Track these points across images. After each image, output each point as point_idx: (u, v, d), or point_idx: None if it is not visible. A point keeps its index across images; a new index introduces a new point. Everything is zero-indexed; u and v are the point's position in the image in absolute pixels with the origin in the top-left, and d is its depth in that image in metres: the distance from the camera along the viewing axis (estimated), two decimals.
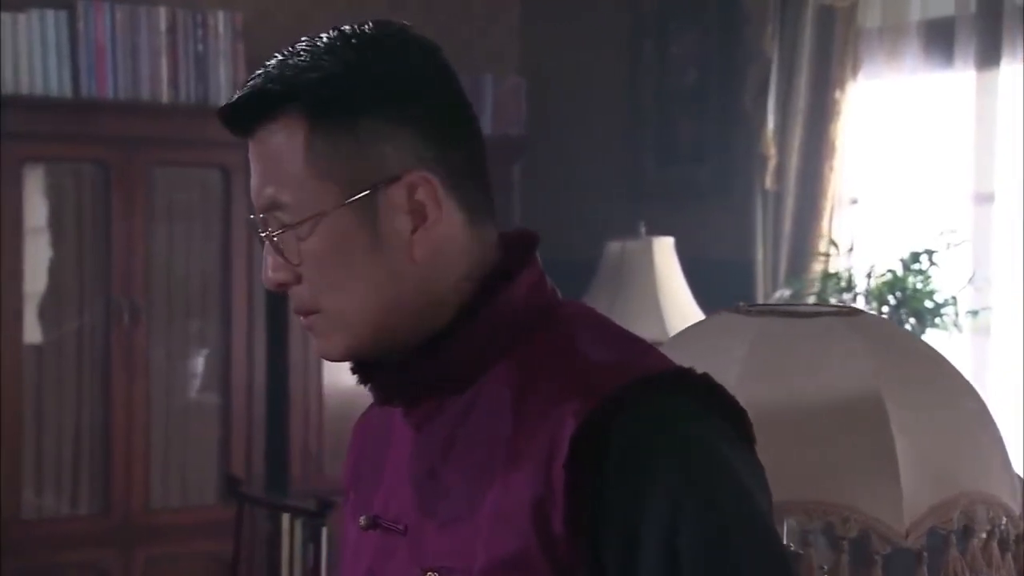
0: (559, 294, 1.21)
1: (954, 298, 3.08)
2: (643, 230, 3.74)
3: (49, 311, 3.93)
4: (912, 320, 3.07)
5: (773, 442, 1.04)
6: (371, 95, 1.11)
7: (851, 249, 3.38)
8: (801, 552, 1.17)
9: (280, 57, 1.13)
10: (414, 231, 1.12)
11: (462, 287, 1.15)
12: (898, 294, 3.07)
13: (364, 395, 1.21)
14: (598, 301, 3.73)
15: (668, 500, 1.02)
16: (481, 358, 1.14)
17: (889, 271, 3.17)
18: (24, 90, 3.85)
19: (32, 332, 3.89)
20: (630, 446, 1.03)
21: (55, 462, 3.94)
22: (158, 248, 4.04)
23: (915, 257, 3.12)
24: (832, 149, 3.74)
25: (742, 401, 1.07)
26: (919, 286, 3.05)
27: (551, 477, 1.04)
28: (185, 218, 4.12)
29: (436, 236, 1.13)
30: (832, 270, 3.49)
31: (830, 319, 1.25)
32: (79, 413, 3.95)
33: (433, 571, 1.10)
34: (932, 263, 3.10)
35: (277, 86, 1.11)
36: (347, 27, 1.15)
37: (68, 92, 3.92)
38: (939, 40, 3.51)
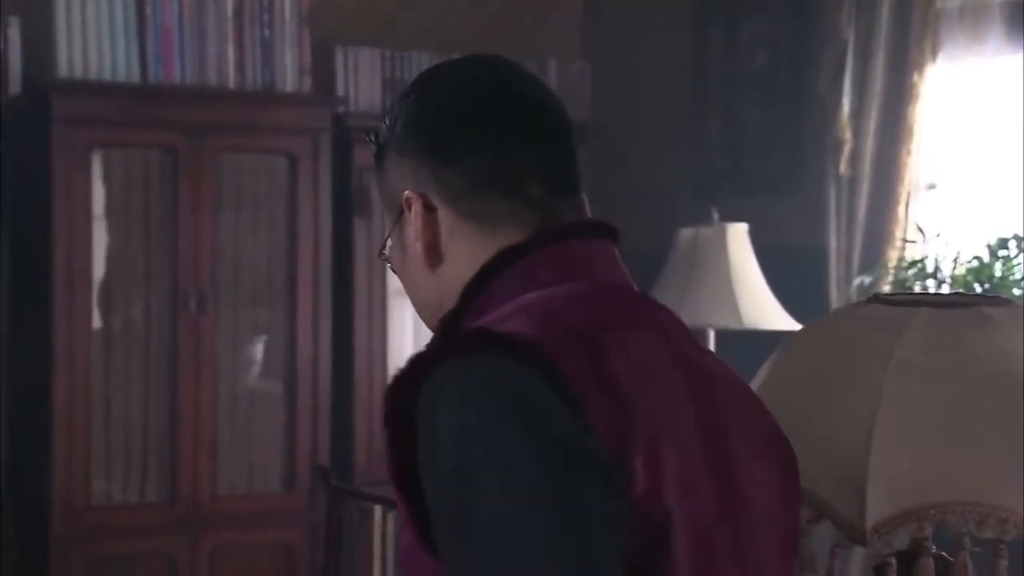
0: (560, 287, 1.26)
1: None
2: (716, 216, 3.68)
3: (115, 299, 3.91)
4: None
5: (968, 435, 0.99)
6: (385, 143, 1.34)
7: (938, 235, 3.31)
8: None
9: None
10: (415, 241, 1.30)
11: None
12: (984, 282, 2.99)
13: None
14: (670, 289, 3.67)
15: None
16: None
17: (975, 258, 3.09)
18: (92, 75, 3.83)
19: (99, 320, 3.87)
20: (425, 403, 1.15)
21: (123, 450, 3.93)
22: (224, 235, 4.02)
23: (1002, 243, 3.04)
24: (909, 133, 3.67)
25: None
26: (1005, 273, 2.97)
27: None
28: (251, 205, 4.09)
29: (432, 245, 1.30)
30: (910, 257, 3.41)
31: (988, 309, 1.19)
32: (146, 401, 3.94)
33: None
34: (1021, 249, 3.02)
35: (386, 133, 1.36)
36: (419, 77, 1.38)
37: (136, 77, 3.90)
38: (1022, 21, 3.42)
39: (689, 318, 3.59)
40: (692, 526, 1.14)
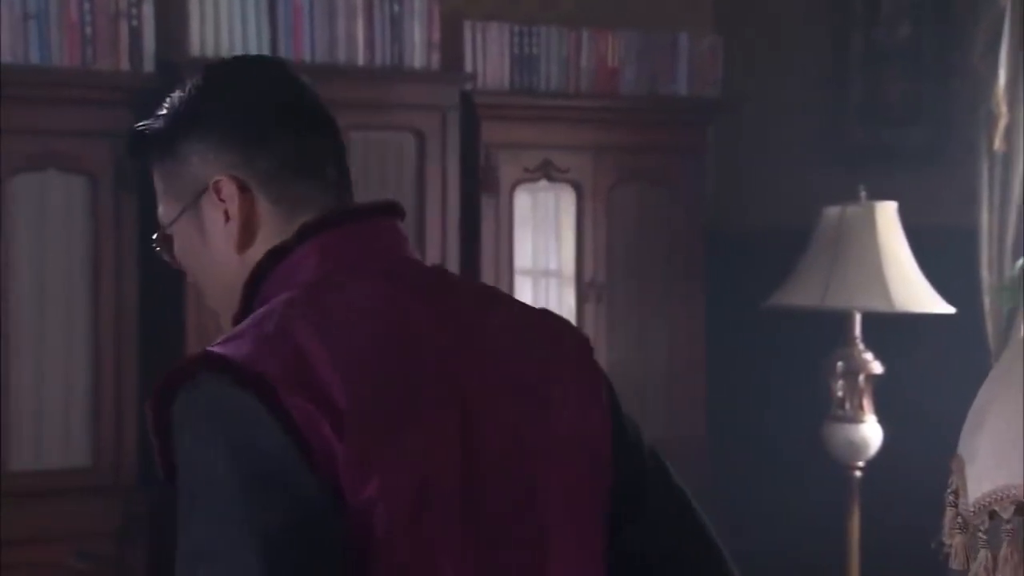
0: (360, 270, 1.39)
1: None
2: (863, 195, 3.55)
3: None
4: None
5: None
6: (179, 131, 1.44)
7: None
8: None
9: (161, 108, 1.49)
10: (226, 223, 1.42)
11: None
12: None
13: None
14: (814, 270, 3.55)
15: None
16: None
17: None
18: (223, 53, 3.80)
19: None
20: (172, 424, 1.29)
21: None
22: None
23: None
24: None
25: None
26: None
27: None
28: (379, 183, 4.04)
29: (248, 224, 1.41)
30: None
31: None
32: None
33: None
34: None
35: (132, 147, 1.52)
36: (195, 78, 1.48)
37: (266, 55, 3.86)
38: None
39: (835, 300, 3.48)
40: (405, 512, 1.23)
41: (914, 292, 3.41)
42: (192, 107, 1.44)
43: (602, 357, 4.70)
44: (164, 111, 1.47)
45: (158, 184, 1.48)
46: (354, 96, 3.94)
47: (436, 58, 4.07)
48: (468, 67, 4.20)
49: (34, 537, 3.43)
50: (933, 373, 3.72)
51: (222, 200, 1.42)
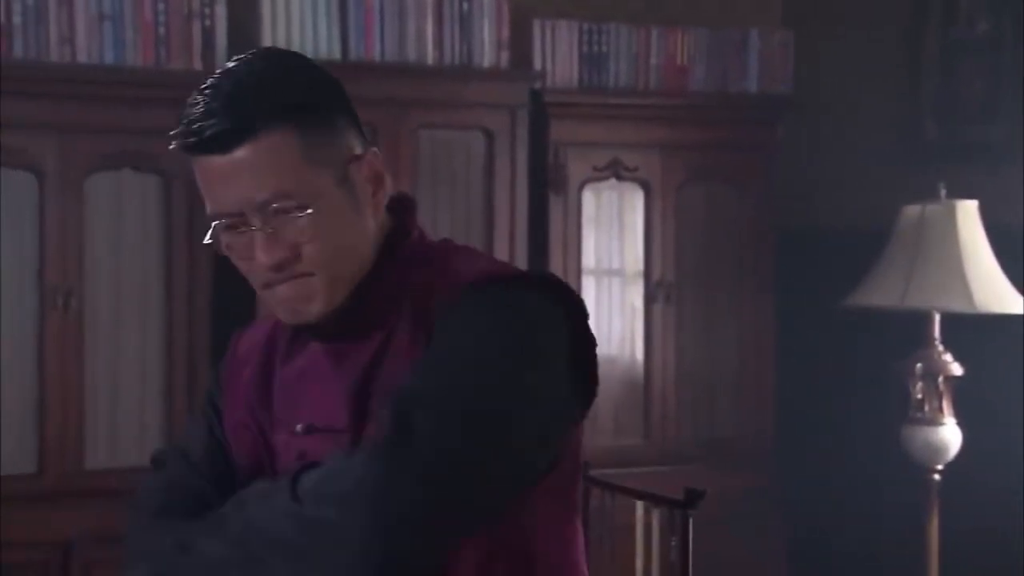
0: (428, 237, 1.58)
1: None
2: (943, 193, 3.49)
3: None
4: None
5: None
6: (330, 98, 1.47)
7: None
8: None
9: (220, 90, 1.42)
10: (374, 194, 1.48)
11: (378, 240, 1.51)
12: None
13: None
14: (893, 270, 3.50)
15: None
16: (398, 294, 1.48)
17: None
18: None
19: None
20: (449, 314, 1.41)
21: None
22: (423, 212, 3.94)
23: None
24: None
25: None
26: None
27: None
28: (449, 181, 4.04)
29: (383, 197, 1.50)
30: None
31: None
32: None
33: None
34: None
35: (263, 107, 1.41)
36: (256, 54, 1.47)
37: (337, 55, 3.86)
38: None
39: (915, 300, 3.43)
40: None
41: (995, 292, 3.36)
42: (324, 76, 1.48)
43: (670, 357, 4.66)
44: (290, 84, 1.43)
45: (293, 154, 1.42)
46: (423, 95, 3.94)
47: (505, 56, 4.05)
48: (537, 65, 4.18)
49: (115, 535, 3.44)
50: (1013, 375, 3.66)
51: (375, 170, 1.49)
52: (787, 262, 4.28)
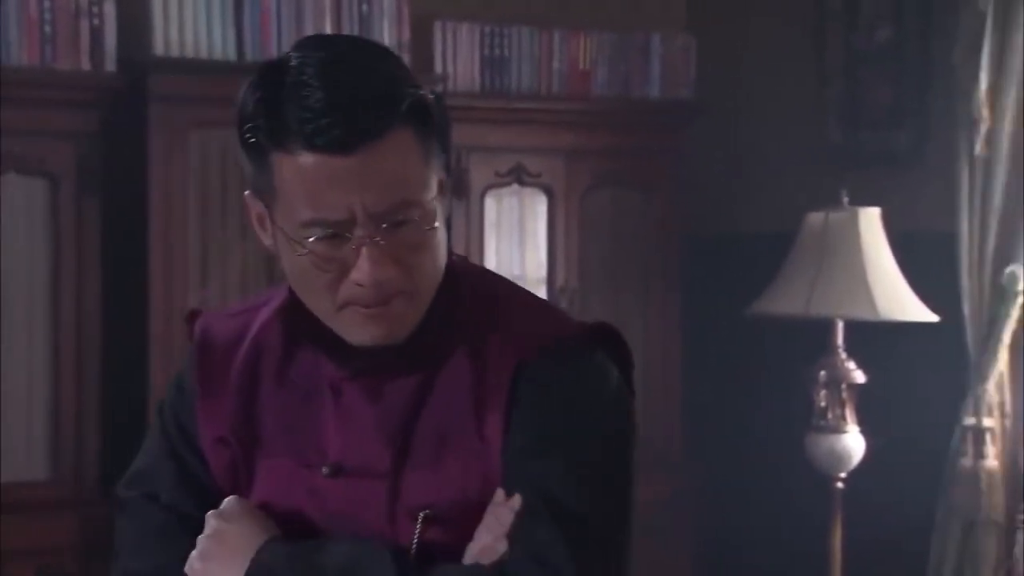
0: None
1: None
2: (846, 200, 3.48)
3: (213, 286, 3.78)
4: None
5: None
6: (435, 100, 1.34)
7: None
8: None
9: (343, 83, 1.28)
10: (448, 214, 1.38)
11: None
12: None
13: None
14: (798, 276, 3.49)
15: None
16: (455, 329, 1.38)
17: None
18: (188, 53, 3.70)
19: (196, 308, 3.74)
20: (541, 374, 1.35)
21: None
22: None
23: None
24: None
25: None
26: None
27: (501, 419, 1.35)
28: None
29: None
30: None
31: None
32: None
33: (422, 509, 1.34)
34: None
35: (393, 105, 1.28)
36: (367, 43, 1.36)
37: (232, 55, 3.76)
38: None
39: (819, 308, 3.42)
40: None
41: (898, 300, 3.36)
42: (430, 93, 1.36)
43: None
44: (405, 80, 1.31)
45: (416, 161, 1.30)
46: None
47: (406, 59, 3.96)
48: (438, 68, 4.12)
49: None
50: (915, 381, 3.67)
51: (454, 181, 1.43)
52: (694, 268, 4.26)
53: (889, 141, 3.96)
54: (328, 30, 3.88)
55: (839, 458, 3.49)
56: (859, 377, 3.50)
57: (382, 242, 1.29)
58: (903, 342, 3.58)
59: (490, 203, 4.13)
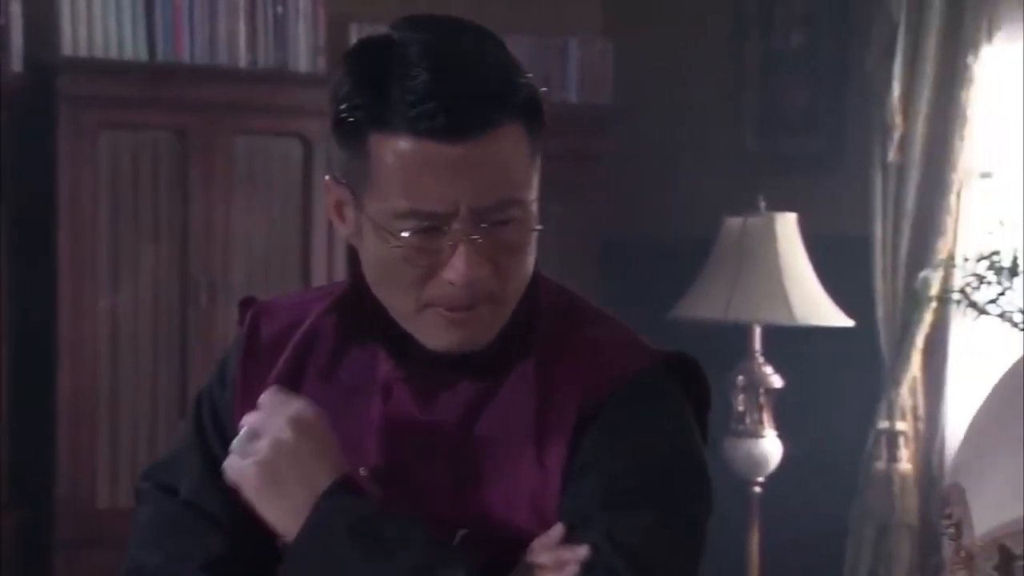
0: None
1: None
2: (763, 205, 3.50)
3: (123, 289, 3.71)
4: None
5: None
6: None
7: (1017, 226, 3.13)
8: None
9: (459, 62, 1.20)
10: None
11: None
12: None
13: None
14: (717, 281, 3.50)
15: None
16: (527, 341, 1.29)
17: None
18: (98, 53, 3.63)
19: (106, 312, 3.66)
20: (616, 414, 1.26)
21: (129, 450, 3.73)
22: (236, 222, 3.82)
23: None
24: (963, 119, 3.49)
25: None
26: None
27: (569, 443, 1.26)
28: (264, 190, 3.90)
29: None
30: (977, 251, 3.25)
31: None
32: (154, 399, 3.74)
33: (461, 527, 1.25)
34: None
35: (510, 95, 1.21)
36: (476, 26, 1.25)
37: (144, 56, 3.70)
38: None
39: (737, 313, 3.43)
40: None
41: (814, 305, 3.38)
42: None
43: None
44: (517, 70, 1.23)
45: (525, 155, 1.23)
46: (237, 99, 3.81)
47: (322, 61, 3.94)
48: None
49: None
50: (831, 386, 3.69)
51: None
52: (613, 272, 4.25)
53: (804, 146, 3.99)
54: (242, 31, 3.83)
55: (757, 462, 3.50)
56: (776, 382, 3.51)
57: (480, 240, 1.21)
58: (819, 346, 3.60)
59: None
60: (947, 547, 1.10)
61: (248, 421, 1.27)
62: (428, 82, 1.18)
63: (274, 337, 1.37)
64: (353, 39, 4.07)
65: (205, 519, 1.33)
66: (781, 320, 3.35)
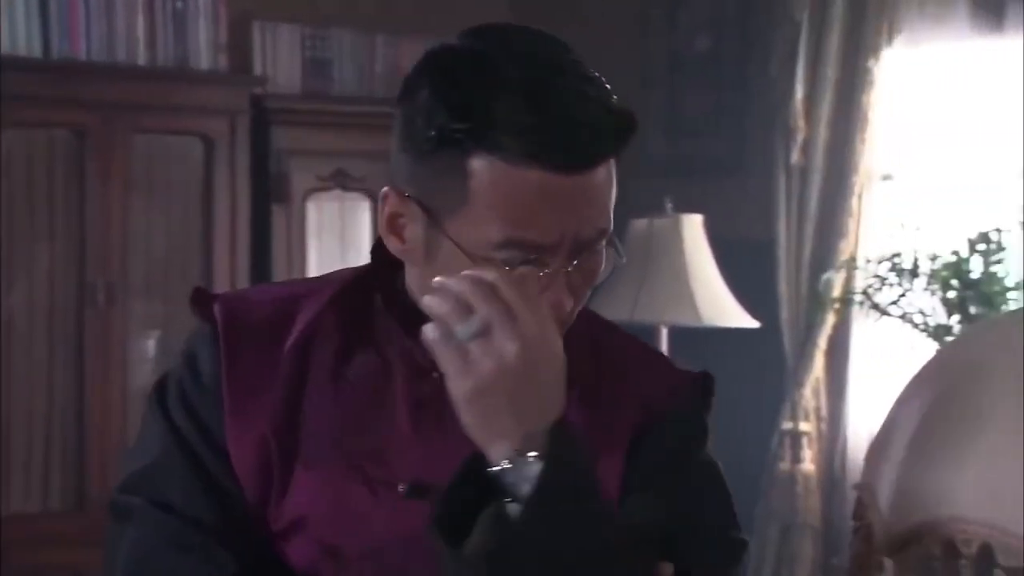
0: None
1: None
2: (670, 207, 3.50)
3: (17, 291, 3.61)
4: (974, 307, 2.87)
5: None
6: None
7: (918, 229, 3.17)
8: None
9: (595, 88, 1.17)
10: None
11: None
12: (963, 279, 2.86)
13: None
14: (624, 282, 3.49)
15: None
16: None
17: (953, 252, 2.97)
18: None
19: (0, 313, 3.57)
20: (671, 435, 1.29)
21: (25, 455, 3.63)
22: (135, 222, 3.74)
23: (984, 237, 2.92)
24: (864, 121, 3.54)
25: None
26: (990, 269, 2.85)
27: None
28: (164, 190, 3.82)
29: None
30: (879, 252, 3.29)
31: None
32: (50, 401, 3.64)
33: None
34: (1000, 246, 2.90)
35: (621, 126, 1.17)
36: (560, 42, 1.22)
37: (38, 52, 3.60)
38: (988, 3, 3.31)
39: (644, 314, 3.43)
40: None
41: (720, 306, 3.39)
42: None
43: None
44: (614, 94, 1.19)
45: (615, 183, 1.20)
46: (136, 97, 3.73)
47: (223, 59, 3.88)
48: (257, 70, 4.02)
49: None
50: (737, 387, 3.70)
51: None
52: None
53: (710, 149, 4.01)
54: (141, 28, 3.75)
55: None
56: None
57: (572, 271, 1.18)
58: (725, 348, 3.61)
59: (311, 208, 4.04)
60: (856, 547, 1.09)
61: (479, 305, 1.11)
62: (545, 108, 1.13)
63: (258, 332, 1.28)
64: (256, 37, 4.02)
65: (211, 534, 1.23)
66: (687, 321, 3.35)
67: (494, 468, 1.10)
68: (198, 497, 1.24)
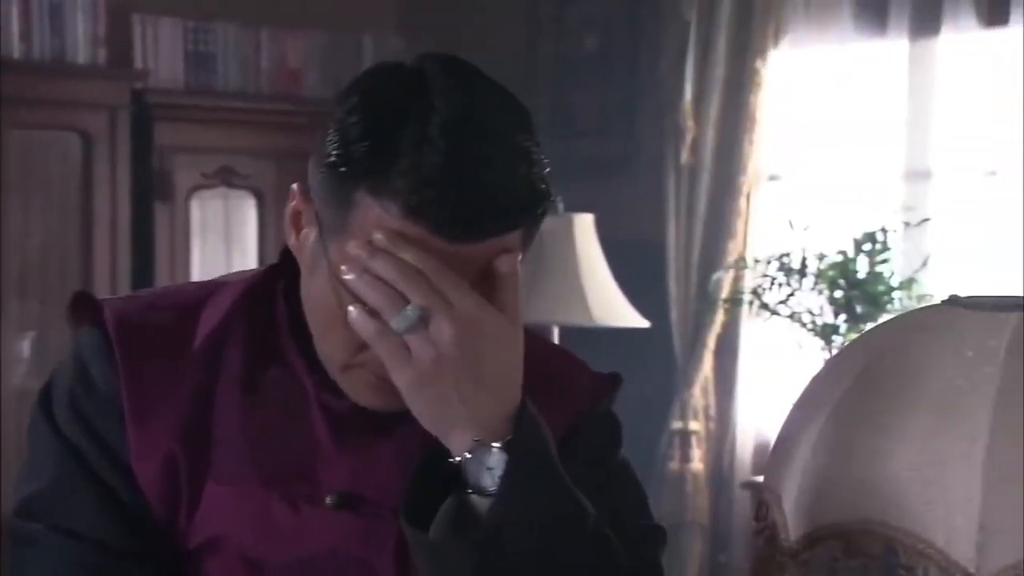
0: None
1: (911, 281, 2.92)
2: (561, 206, 3.49)
3: None
4: (860, 307, 2.91)
5: None
6: None
7: (806, 229, 3.19)
8: None
9: (516, 159, 1.10)
10: None
11: None
12: (849, 279, 2.89)
13: None
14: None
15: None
16: None
17: (839, 252, 2.99)
18: None
19: None
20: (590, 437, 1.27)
21: None
22: (11, 220, 3.62)
23: (869, 237, 2.95)
24: (752, 122, 3.56)
25: None
26: (875, 269, 2.89)
27: None
28: (41, 187, 3.70)
29: None
30: (767, 252, 3.31)
31: None
32: None
33: None
34: (886, 246, 2.93)
35: (527, 206, 1.11)
36: (499, 92, 1.17)
37: None
38: (871, 6, 3.35)
39: (536, 314, 3.41)
40: None
41: (611, 306, 3.38)
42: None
43: None
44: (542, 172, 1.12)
45: (504, 247, 1.10)
46: (10, 91, 3.60)
47: (102, 53, 3.78)
48: (138, 64, 3.92)
49: None
50: (628, 387, 3.70)
51: None
52: None
53: (599, 148, 4.00)
54: (15, 19, 3.63)
55: None
56: None
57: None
58: (617, 347, 3.60)
59: (195, 206, 3.95)
60: (758, 549, 1.07)
61: (412, 295, 1.05)
62: (445, 166, 1.05)
63: (156, 340, 1.20)
64: (136, 30, 3.91)
65: (121, 557, 1.16)
66: (579, 321, 3.34)
67: (454, 459, 1.07)
68: (102, 518, 1.17)
